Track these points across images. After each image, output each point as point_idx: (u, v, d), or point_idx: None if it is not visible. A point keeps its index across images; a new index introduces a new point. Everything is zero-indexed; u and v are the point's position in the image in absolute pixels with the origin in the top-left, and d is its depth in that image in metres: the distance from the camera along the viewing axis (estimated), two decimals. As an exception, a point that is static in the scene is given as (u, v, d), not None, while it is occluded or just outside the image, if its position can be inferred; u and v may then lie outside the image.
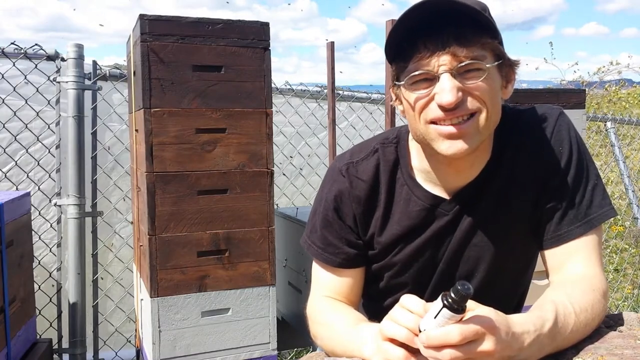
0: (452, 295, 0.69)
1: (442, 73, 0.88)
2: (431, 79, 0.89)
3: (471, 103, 0.89)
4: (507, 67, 0.95)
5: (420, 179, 1.05)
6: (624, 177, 4.32)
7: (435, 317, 0.71)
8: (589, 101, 7.31)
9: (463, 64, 0.87)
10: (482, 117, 0.91)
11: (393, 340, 0.77)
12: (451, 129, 0.90)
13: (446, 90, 0.87)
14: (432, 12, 0.86)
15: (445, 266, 1.06)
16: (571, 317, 0.86)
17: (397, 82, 0.95)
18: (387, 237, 1.07)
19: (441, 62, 0.87)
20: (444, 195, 1.03)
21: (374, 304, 1.18)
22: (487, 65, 0.89)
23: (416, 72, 0.90)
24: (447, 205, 1.03)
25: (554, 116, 1.02)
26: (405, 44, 0.90)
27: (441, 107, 0.89)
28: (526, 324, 0.79)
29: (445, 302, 0.70)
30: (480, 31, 0.88)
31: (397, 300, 0.80)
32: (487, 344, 0.72)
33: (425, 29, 0.87)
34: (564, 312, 0.85)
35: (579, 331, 0.87)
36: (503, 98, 0.97)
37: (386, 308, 1.10)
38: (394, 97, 1.00)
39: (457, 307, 0.69)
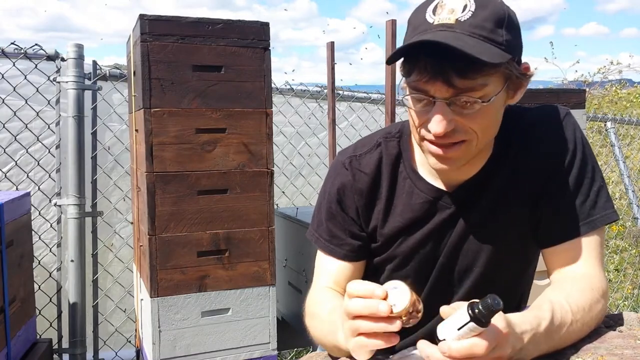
0: (482, 309, 0.67)
1: (437, 100, 0.88)
2: (428, 99, 0.89)
3: (461, 132, 0.90)
4: (515, 80, 0.92)
5: (422, 171, 1.06)
6: (624, 177, 4.33)
7: (459, 329, 0.69)
8: (589, 101, 7.32)
9: (458, 96, 0.86)
10: (471, 145, 0.92)
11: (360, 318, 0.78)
12: (438, 151, 0.92)
13: (436, 120, 0.88)
14: (441, 40, 0.83)
15: (446, 260, 1.06)
16: (568, 315, 0.86)
17: (402, 94, 0.96)
18: (390, 229, 1.07)
19: (438, 88, 0.86)
20: (446, 188, 1.04)
21: None
22: (484, 103, 0.87)
23: (414, 93, 0.90)
24: (449, 199, 1.03)
25: (559, 116, 1.02)
26: (409, 59, 0.89)
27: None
28: (523, 323, 0.79)
29: (473, 315, 0.67)
30: (484, 63, 0.83)
31: None
32: (502, 349, 0.73)
33: (430, 48, 0.84)
34: (560, 311, 0.85)
35: (577, 330, 0.87)
36: (509, 103, 0.96)
37: None
38: (402, 89, 0.99)
39: (485, 322, 0.68)
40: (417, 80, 0.88)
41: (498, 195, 1.02)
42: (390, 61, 0.91)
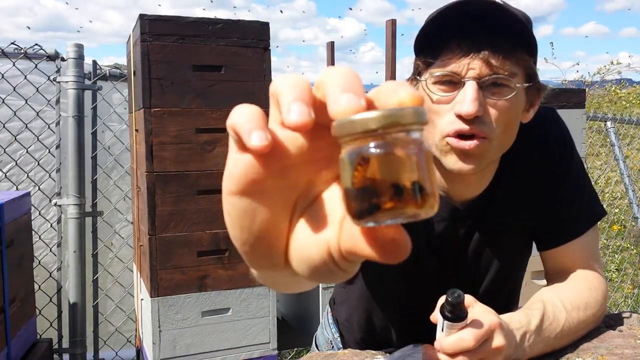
0: (447, 306, 0.71)
1: (468, 79, 0.80)
2: (456, 82, 0.82)
3: (486, 124, 0.82)
4: (534, 90, 0.88)
5: None
6: (624, 177, 4.32)
7: (442, 330, 0.73)
8: (589, 101, 7.31)
9: (493, 75, 0.80)
10: (491, 145, 0.85)
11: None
12: (464, 145, 0.83)
13: (468, 100, 0.80)
14: (475, 14, 0.79)
15: (461, 277, 1.02)
16: (561, 314, 0.86)
17: (417, 78, 0.88)
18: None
19: (472, 66, 0.80)
20: (457, 205, 0.98)
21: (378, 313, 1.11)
22: (518, 85, 0.82)
23: (440, 73, 0.82)
24: (465, 216, 0.98)
25: (549, 119, 1.00)
26: (437, 39, 0.83)
27: (459, 116, 0.82)
28: (513, 322, 0.80)
29: (444, 315, 0.71)
30: (519, 45, 0.81)
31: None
32: (498, 340, 0.73)
33: (461, 29, 0.80)
34: (553, 310, 0.86)
35: (572, 329, 0.87)
36: (522, 121, 0.90)
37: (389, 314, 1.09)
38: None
39: (456, 316, 0.71)
40: (447, 60, 0.81)
41: (506, 206, 0.99)
42: (422, 32, 0.82)
